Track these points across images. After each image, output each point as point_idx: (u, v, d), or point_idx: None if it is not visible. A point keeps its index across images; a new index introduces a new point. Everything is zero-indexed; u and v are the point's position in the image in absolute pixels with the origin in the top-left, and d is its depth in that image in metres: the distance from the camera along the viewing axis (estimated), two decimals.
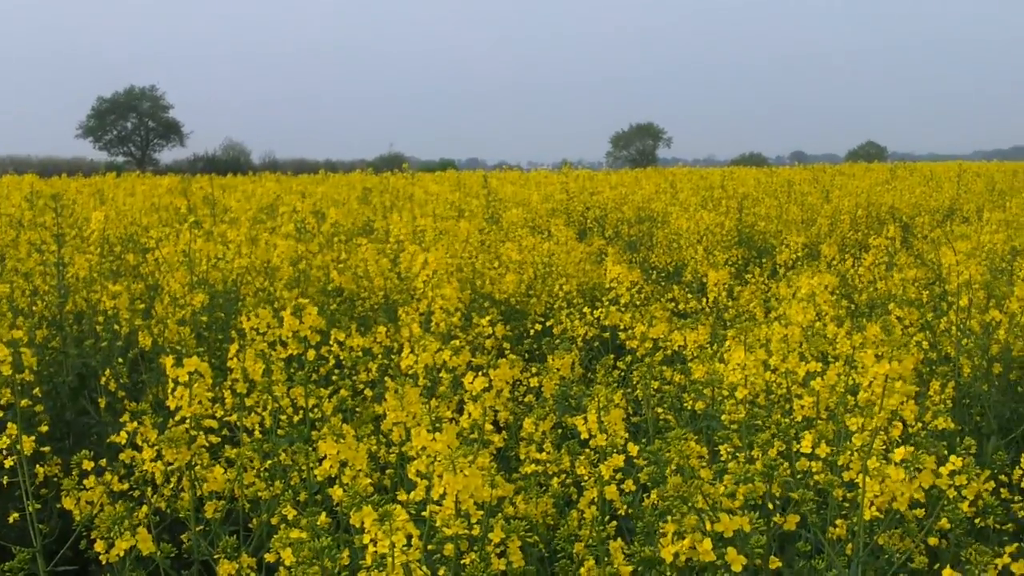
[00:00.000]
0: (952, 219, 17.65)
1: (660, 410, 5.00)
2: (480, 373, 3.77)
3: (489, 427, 3.85)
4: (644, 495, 3.73)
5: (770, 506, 3.22)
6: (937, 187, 22.42)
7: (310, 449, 3.69)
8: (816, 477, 3.63)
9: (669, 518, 2.61)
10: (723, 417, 4.19)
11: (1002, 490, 4.61)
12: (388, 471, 4.28)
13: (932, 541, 3.50)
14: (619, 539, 3.36)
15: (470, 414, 3.88)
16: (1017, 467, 4.59)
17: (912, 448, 3.25)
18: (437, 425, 2.89)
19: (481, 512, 2.88)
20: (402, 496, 3.37)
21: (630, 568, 3.03)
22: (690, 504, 2.61)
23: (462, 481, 2.78)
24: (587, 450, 3.83)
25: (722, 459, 3.89)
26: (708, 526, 2.59)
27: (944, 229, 13.29)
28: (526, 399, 5.30)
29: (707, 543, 2.56)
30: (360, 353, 5.01)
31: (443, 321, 5.83)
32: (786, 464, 3.82)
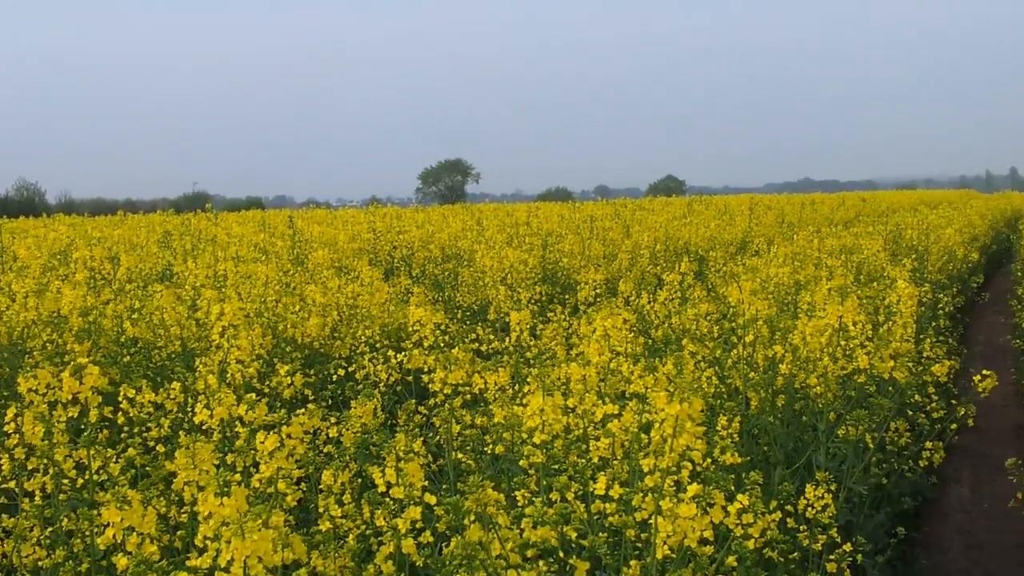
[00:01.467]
0: (745, 252, 18.41)
1: (461, 455, 5.02)
2: (272, 431, 3.70)
3: (282, 485, 3.77)
4: (445, 544, 3.74)
5: (560, 555, 3.26)
6: (731, 220, 23.36)
7: (95, 514, 3.54)
8: (610, 519, 3.70)
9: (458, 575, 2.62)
10: (521, 462, 4.24)
11: (788, 520, 4.82)
12: (179, 532, 4.15)
13: None
14: None
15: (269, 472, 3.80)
16: (802, 497, 4.81)
17: (702, 485, 3.36)
18: (226, 489, 2.81)
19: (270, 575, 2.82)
20: (192, 561, 3.26)
21: None
22: (480, 560, 2.62)
23: (250, 546, 2.71)
24: (387, 500, 3.81)
25: (519, 504, 3.92)
26: None
27: (736, 262, 13.84)
28: (326, 448, 5.23)
29: None
30: (151, 409, 4.86)
31: (239, 373, 5.73)
32: (582, 507, 3.88)
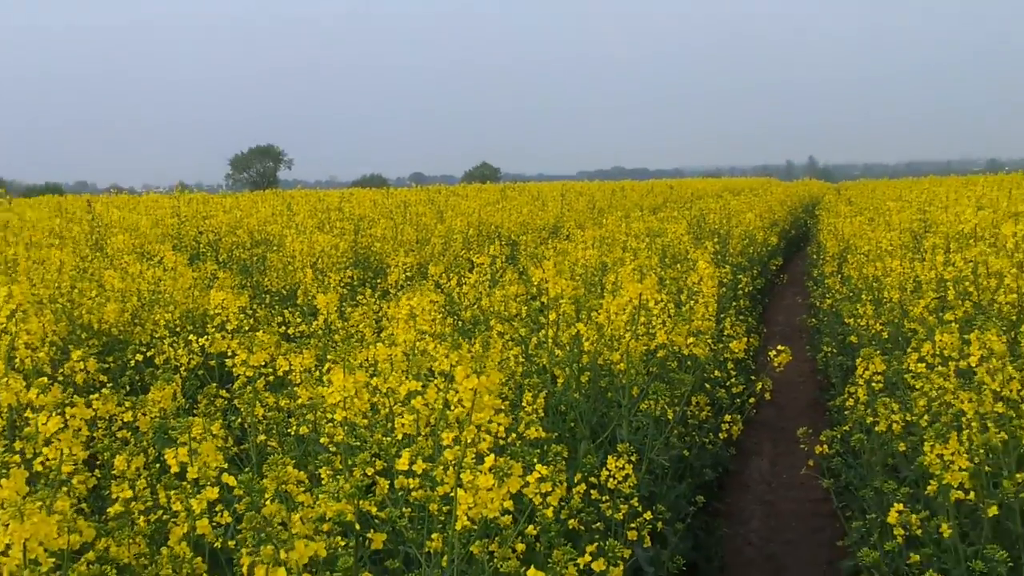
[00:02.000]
0: (557, 236, 18.69)
1: (264, 438, 4.93)
2: (56, 412, 3.54)
3: (68, 468, 3.60)
4: None
5: (357, 527, 3.23)
6: (543, 206, 23.69)
7: None
8: (414, 494, 3.69)
9: (243, 550, 2.56)
10: (322, 439, 4.19)
11: (592, 492, 4.92)
12: None
13: (519, 547, 3.66)
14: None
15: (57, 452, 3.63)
16: (604, 469, 4.91)
17: (500, 457, 3.38)
18: (4, 471, 2.67)
19: (52, 560, 2.70)
20: None
21: None
22: (273, 535, 2.57)
23: (30, 529, 2.60)
24: (184, 483, 3.70)
25: (323, 483, 3.87)
26: (283, 555, 2.55)
27: (548, 246, 14.03)
28: (120, 434, 5.04)
29: (281, 572, 2.53)
30: None
31: (28, 358, 5.47)
32: (387, 483, 3.86)
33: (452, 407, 3.42)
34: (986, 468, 4.72)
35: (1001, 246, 8.18)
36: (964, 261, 7.67)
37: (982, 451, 4.64)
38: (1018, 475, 4.68)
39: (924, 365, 5.84)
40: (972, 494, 4.59)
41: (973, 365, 5.16)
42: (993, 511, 4.51)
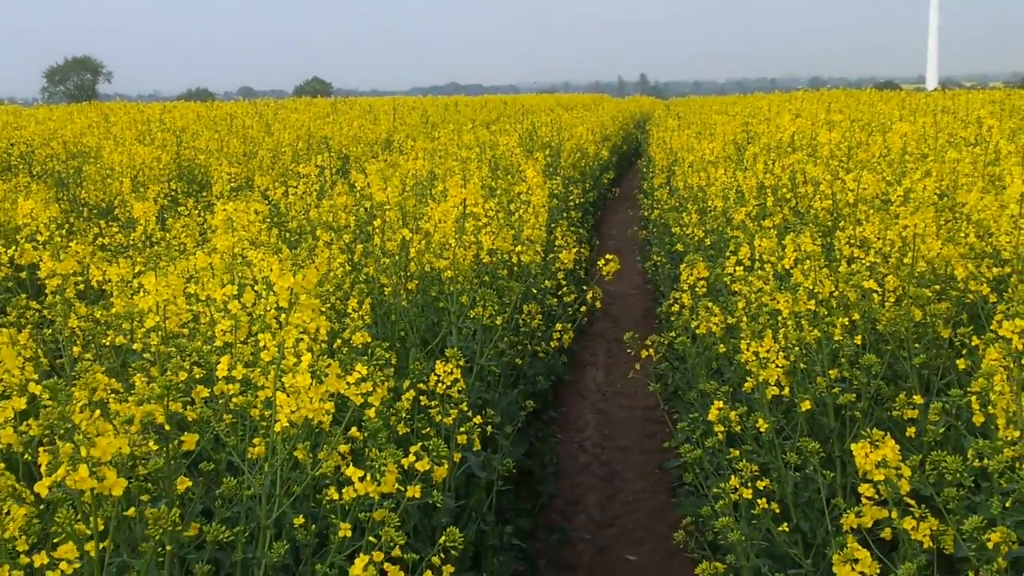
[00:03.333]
0: (389, 150, 18.47)
1: (78, 349, 4.73)
2: None
3: None
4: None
5: (167, 428, 3.12)
6: (375, 120, 23.35)
7: None
8: (235, 400, 3.59)
9: (41, 449, 2.45)
10: (135, 346, 4.04)
11: (422, 399, 4.90)
12: None
13: (343, 448, 3.61)
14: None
15: None
16: (433, 374, 4.89)
17: (319, 357, 3.32)
18: None
19: None
20: None
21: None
22: (70, 432, 2.46)
23: None
24: None
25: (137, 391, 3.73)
26: (84, 452, 2.44)
27: (380, 159, 13.84)
28: None
29: (83, 470, 2.43)
30: None
31: None
32: (206, 391, 3.75)
33: (271, 309, 3.33)
34: (801, 365, 4.88)
35: (818, 155, 8.44)
36: (782, 169, 7.88)
37: (797, 349, 4.80)
38: (831, 371, 4.87)
39: (743, 269, 5.99)
40: (787, 390, 4.75)
41: (788, 267, 5.31)
42: (806, 406, 4.68)
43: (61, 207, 9.79)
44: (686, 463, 4.96)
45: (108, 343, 4.74)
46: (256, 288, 4.38)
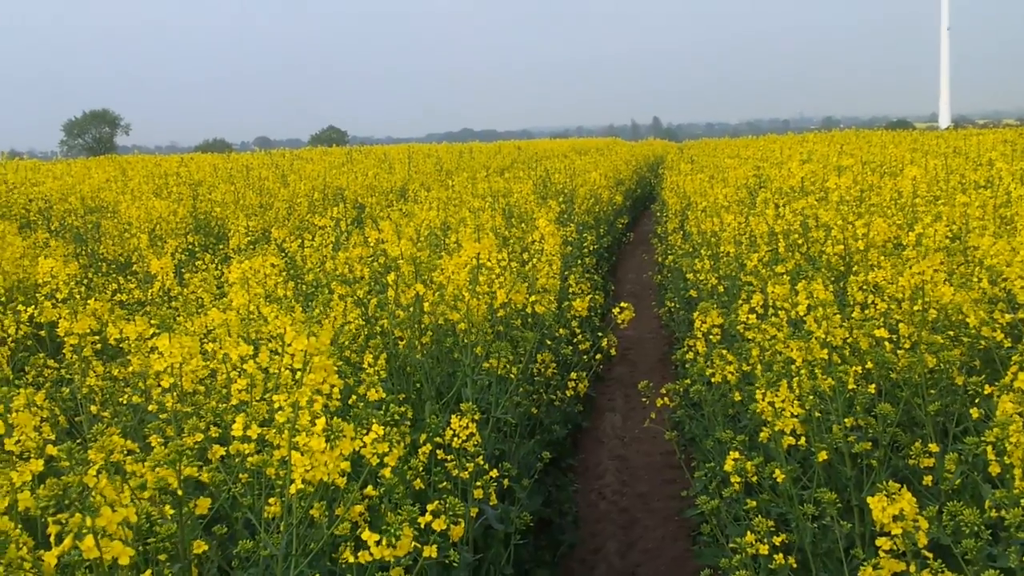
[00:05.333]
0: (404, 198, 18.58)
1: (95, 408, 4.77)
2: None
3: None
4: None
5: (180, 492, 3.13)
6: (390, 168, 23.51)
7: None
8: (250, 459, 3.61)
9: (49, 519, 2.47)
10: (150, 407, 4.07)
11: (439, 452, 4.91)
12: None
13: (358, 508, 3.62)
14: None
15: None
16: (448, 428, 4.90)
17: (334, 419, 3.34)
18: None
19: None
20: None
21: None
22: (73, 501, 2.48)
23: None
24: (10, 456, 3.55)
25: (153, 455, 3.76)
26: (89, 522, 2.46)
27: (395, 208, 13.93)
28: None
29: (89, 540, 2.44)
30: None
31: None
32: (222, 449, 3.77)
33: (285, 370, 3.35)
34: (816, 414, 4.87)
35: (830, 200, 8.45)
36: (793, 214, 7.89)
37: (811, 397, 4.79)
38: (847, 420, 4.85)
39: (755, 316, 5.99)
40: (803, 440, 4.74)
41: (802, 314, 5.31)
42: (823, 456, 4.66)
43: (80, 263, 9.86)
44: (704, 513, 4.94)
45: (125, 401, 4.78)
46: (271, 346, 4.42)
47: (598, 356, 8.46)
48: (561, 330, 8.86)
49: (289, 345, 3.27)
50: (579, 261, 12.35)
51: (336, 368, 3.52)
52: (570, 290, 9.72)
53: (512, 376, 6.05)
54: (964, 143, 18.08)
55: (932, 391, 4.90)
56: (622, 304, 7.70)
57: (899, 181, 8.64)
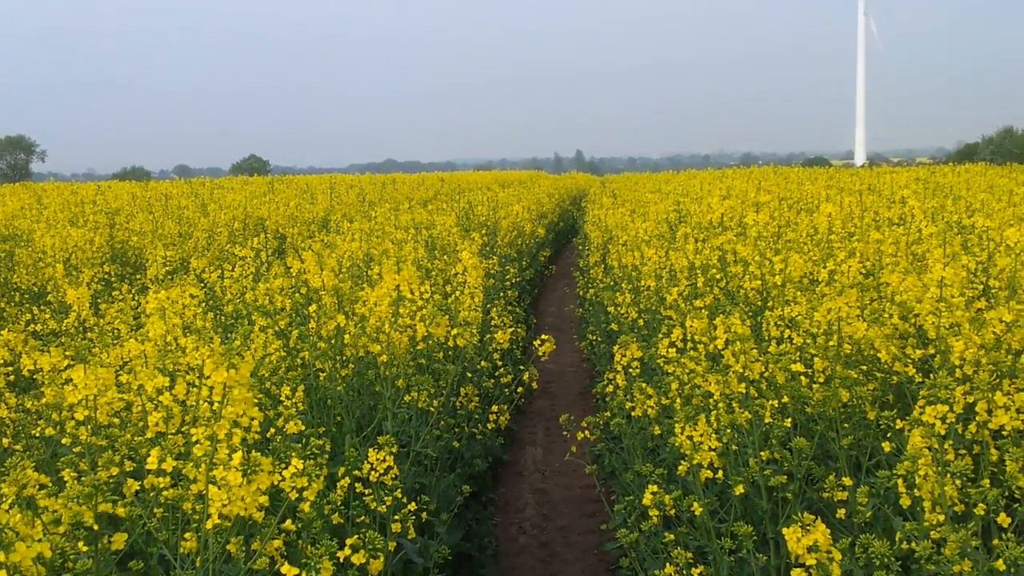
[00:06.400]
0: (326, 229, 18.48)
1: (7, 441, 4.66)
2: None
3: None
4: None
5: (95, 527, 3.08)
6: (312, 199, 23.36)
7: None
8: (165, 493, 3.56)
9: None
10: (64, 440, 4.00)
11: (358, 485, 4.88)
12: None
13: (276, 543, 3.59)
14: None
15: None
16: (367, 462, 4.87)
17: (249, 452, 3.30)
18: None
19: None
20: None
21: None
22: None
23: None
24: None
25: (67, 485, 3.69)
26: (2, 557, 2.42)
27: (316, 239, 13.84)
28: None
29: (2, 574, 2.40)
30: None
31: None
32: (136, 484, 3.71)
33: (204, 402, 3.32)
34: (733, 447, 4.94)
35: (748, 235, 8.59)
36: (711, 249, 8.01)
37: (729, 431, 4.86)
38: (763, 453, 4.93)
39: (675, 350, 6.07)
40: (720, 473, 4.80)
41: (720, 348, 5.39)
42: (739, 490, 4.73)
43: None
44: (623, 546, 4.97)
45: (38, 434, 4.68)
46: (189, 378, 4.36)
47: (520, 389, 8.48)
48: (483, 363, 8.87)
49: (208, 377, 3.24)
50: (502, 294, 12.39)
51: (256, 400, 3.49)
52: (492, 323, 9.74)
53: (433, 409, 6.04)
54: (878, 181, 18.52)
55: (846, 425, 5.00)
56: (543, 337, 7.73)
57: (815, 217, 8.82)
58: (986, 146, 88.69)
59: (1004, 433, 3.81)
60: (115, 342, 6.50)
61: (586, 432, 6.86)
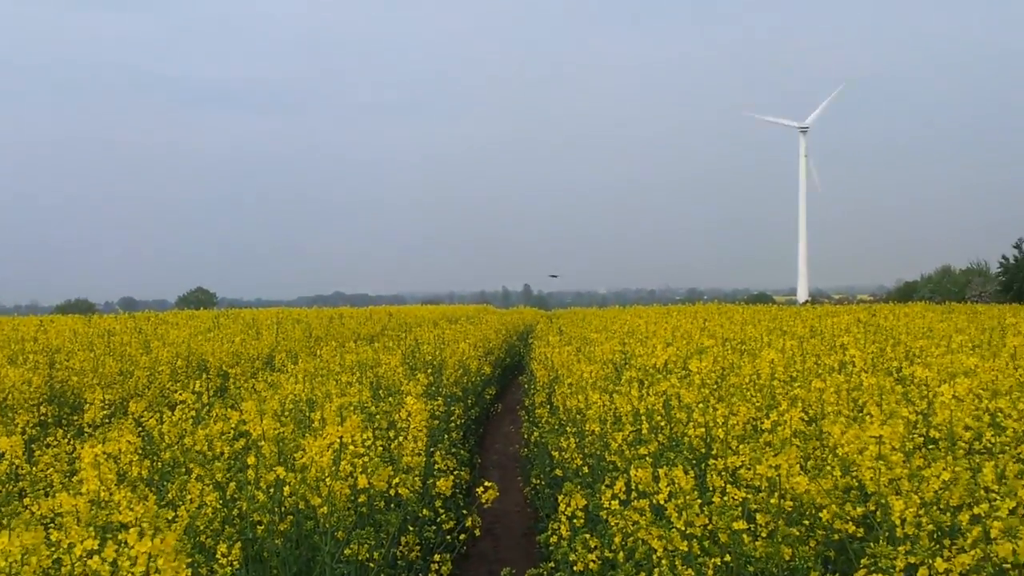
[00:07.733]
0: (271, 367, 18.33)
1: None
2: None
3: None
4: None
5: None
6: (257, 334, 23.23)
7: None
8: None
9: None
10: None
11: None
12: None
13: None
14: None
15: None
16: None
17: None
18: None
19: None
20: None
21: None
22: None
23: None
24: None
25: None
26: None
27: (260, 378, 13.71)
28: None
29: None
30: None
31: None
32: None
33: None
34: None
35: (692, 379, 8.64)
36: (655, 395, 8.03)
37: None
38: None
39: (618, 502, 6.02)
40: None
41: (662, 502, 5.36)
42: None
43: None
44: None
45: None
46: (121, 536, 4.25)
47: (462, 536, 8.34)
48: (425, 511, 8.74)
49: (131, 547, 3.16)
50: (446, 436, 12.29)
51: (188, 560, 3.41)
52: (436, 466, 9.62)
53: (373, 565, 5.92)
54: (820, 323, 18.79)
55: None
56: (486, 483, 7.64)
57: (758, 363, 8.91)
58: (925, 284, 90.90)
59: None
60: (47, 492, 6.35)
61: None
